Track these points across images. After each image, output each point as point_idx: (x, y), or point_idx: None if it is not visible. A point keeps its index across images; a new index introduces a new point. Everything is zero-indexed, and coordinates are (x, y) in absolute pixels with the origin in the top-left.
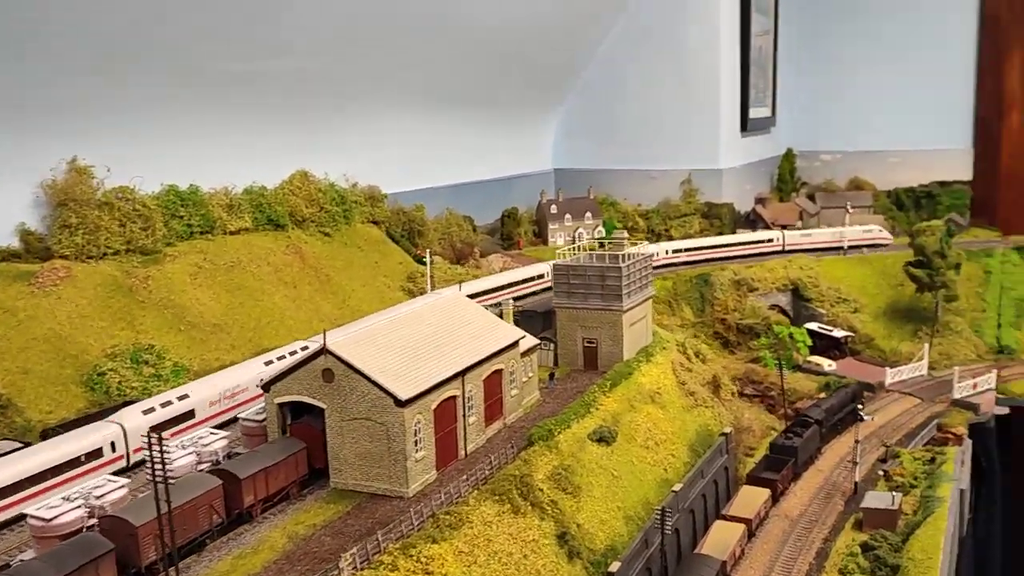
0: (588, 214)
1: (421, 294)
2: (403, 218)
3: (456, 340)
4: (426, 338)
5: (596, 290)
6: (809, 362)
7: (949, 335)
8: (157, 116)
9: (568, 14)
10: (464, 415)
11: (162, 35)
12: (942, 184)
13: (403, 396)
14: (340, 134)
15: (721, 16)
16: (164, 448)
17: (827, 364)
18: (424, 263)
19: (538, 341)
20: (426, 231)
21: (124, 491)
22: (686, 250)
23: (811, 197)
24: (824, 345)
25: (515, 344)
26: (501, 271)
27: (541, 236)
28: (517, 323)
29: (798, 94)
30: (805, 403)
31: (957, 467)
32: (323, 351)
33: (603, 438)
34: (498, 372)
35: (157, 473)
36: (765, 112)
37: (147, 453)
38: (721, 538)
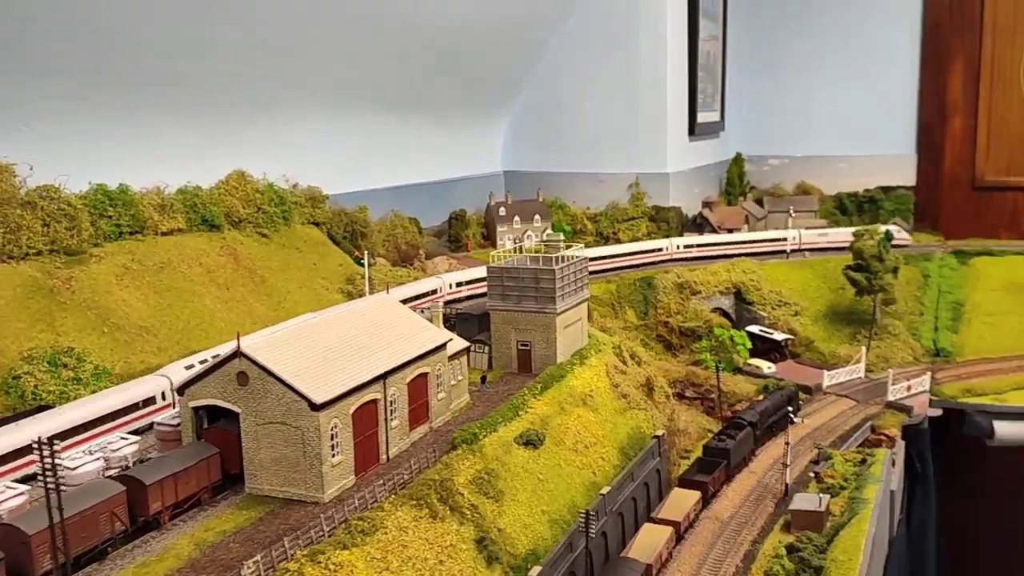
0: (537, 216)
1: (360, 296)
2: (345, 219)
3: (380, 343)
4: (348, 341)
5: (530, 293)
6: (749, 364)
7: (887, 338)
8: (86, 115)
9: (515, 16)
10: (386, 419)
11: (87, 33)
12: (887, 189)
13: (318, 400)
14: (280, 134)
15: (668, 21)
16: (68, 455)
17: (767, 367)
18: (362, 265)
19: (468, 344)
20: (369, 233)
21: (23, 498)
22: (698, 246)
23: (759, 201)
24: (765, 348)
25: (442, 347)
26: (447, 273)
27: (490, 238)
28: (452, 326)
29: (747, 99)
30: (744, 406)
31: (885, 469)
32: (237, 354)
33: (530, 441)
34: (424, 375)
35: (49, 480)
36: (714, 117)
37: None
38: (648, 541)
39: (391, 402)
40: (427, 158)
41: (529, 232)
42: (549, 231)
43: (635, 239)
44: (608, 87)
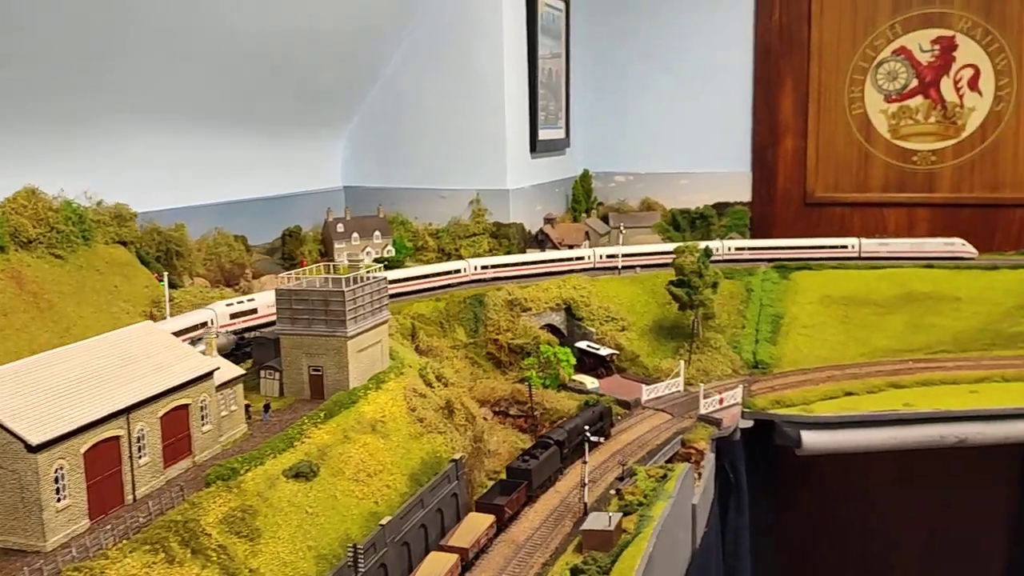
0: (377, 233)
1: (163, 319)
2: (158, 238)
3: (129, 375)
4: (90, 374)
5: (320, 316)
6: (574, 381)
7: (708, 351)
8: None
9: (348, 30)
10: (132, 457)
11: None
12: (725, 205)
13: (35, 440)
14: (85, 149)
15: (506, 39)
16: None
17: (590, 383)
18: (175, 287)
19: (243, 371)
20: (186, 252)
21: None
22: (749, 248)
23: (605, 218)
24: (592, 363)
25: (207, 376)
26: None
27: (328, 256)
28: (249, 351)
29: (594, 117)
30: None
31: (678, 484)
32: None
33: (301, 474)
34: (183, 407)
35: None
36: (559, 134)
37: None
38: (432, 571)
39: (138, 438)
40: (259, 173)
41: (368, 248)
42: (390, 247)
43: (477, 255)
44: (448, 103)
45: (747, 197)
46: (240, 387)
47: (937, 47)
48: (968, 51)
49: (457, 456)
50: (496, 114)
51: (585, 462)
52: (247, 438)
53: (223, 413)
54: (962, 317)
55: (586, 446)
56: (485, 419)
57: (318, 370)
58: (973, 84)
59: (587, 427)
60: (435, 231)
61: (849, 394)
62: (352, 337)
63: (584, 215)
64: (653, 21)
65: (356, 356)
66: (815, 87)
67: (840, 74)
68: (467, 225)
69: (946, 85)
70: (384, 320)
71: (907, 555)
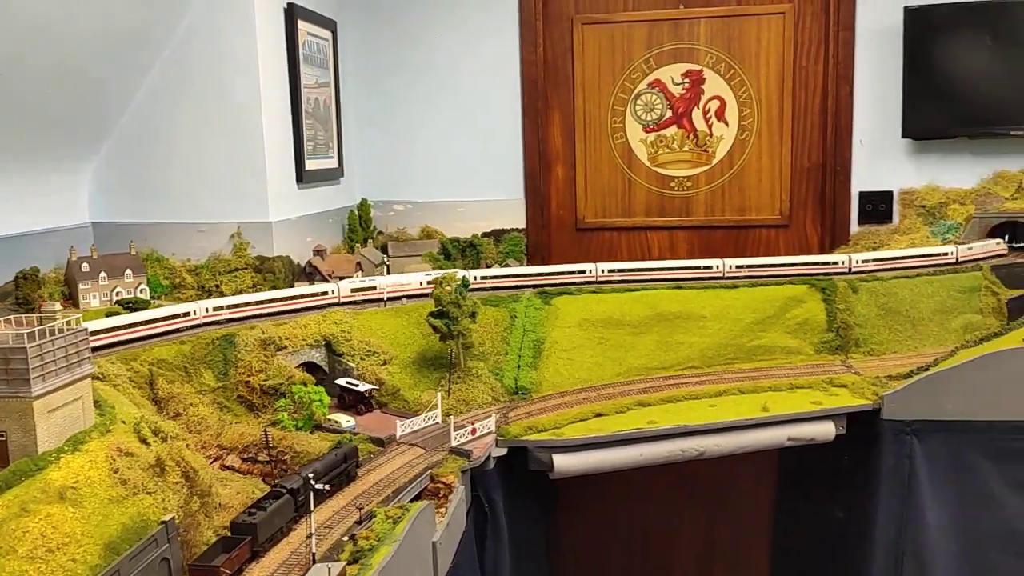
0: (128, 271)
1: None
2: None
3: None
4: None
5: (0, 375)
6: (329, 420)
7: (470, 380)
8: None
9: (89, 55)
10: None
11: None
12: (502, 231)
13: None
14: None
15: (262, 68)
16: None
17: (345, 421)
18: None
19: None
20: None
21: None
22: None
23: (384, 247)
24: (352, 400)
25: None
26: None
27: (72, 298)
28: None
29: (370, 146)
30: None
31: (409, 525)
32: None
33: None
34: None
35: None
36: (330, 164)
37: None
38: None
39: None
40: None
41: (119, 288)
42: (143, 286)
43: (239, 291)
44: (204, 134)
45: (522, 224)
46: None
47: (687, 80)
48: (714, 84)
49: (168, 517)
50: (255, 145)
51: (311, 511)
52: None
53: None
54: (708, 334)
55: (311, 496)
56: (232, 468)
57: (1, 436)
58: (720, 115)
59: (336, 470)
60: (194, 267)
61: (599, 415)
62: (39, 397)
63: (361, 245)
64: (426, 51)
65: (46, 417)
66: (581, 118)
67: (603, 105)
68: (228, 260)
69: (697, 116)
70: (85, 374)
71: (686, 562)
